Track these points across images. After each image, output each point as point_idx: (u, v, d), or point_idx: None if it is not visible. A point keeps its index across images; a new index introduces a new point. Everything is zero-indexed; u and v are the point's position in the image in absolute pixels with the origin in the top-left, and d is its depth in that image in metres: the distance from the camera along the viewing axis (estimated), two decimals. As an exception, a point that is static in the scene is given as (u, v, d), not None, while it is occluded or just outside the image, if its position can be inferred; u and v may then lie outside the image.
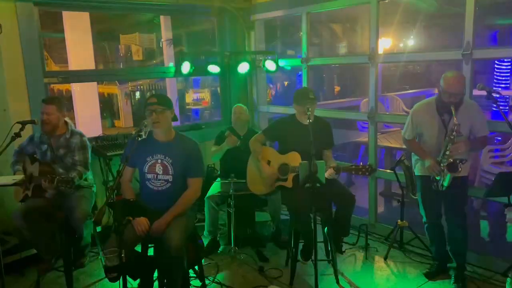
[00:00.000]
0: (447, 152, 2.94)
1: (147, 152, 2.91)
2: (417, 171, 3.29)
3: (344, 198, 3.34)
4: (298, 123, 3.49)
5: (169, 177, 2.90)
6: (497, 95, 3.00)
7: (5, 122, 3.70)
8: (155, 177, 2.91)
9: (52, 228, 3.38)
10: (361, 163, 3.13)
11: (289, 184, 3.43)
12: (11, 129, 3.11)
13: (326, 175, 3.22)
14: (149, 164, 2.91)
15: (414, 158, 3.36)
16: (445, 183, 2.99)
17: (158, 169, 2.90)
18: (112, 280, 2.53)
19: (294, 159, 3.41)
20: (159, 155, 2.91)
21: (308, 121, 3.07)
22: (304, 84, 4.76)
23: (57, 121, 3.37)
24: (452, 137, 2.90)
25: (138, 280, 3.01)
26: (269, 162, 3.56)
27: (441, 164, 2.98)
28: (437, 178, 3.04)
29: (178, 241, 2.69)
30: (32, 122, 3.32)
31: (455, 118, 2.87)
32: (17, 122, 3.16)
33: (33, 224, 3.24)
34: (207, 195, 3.91)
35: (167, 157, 2.90)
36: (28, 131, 3.45)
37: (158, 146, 2.92)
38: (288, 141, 3.50)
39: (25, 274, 3.58)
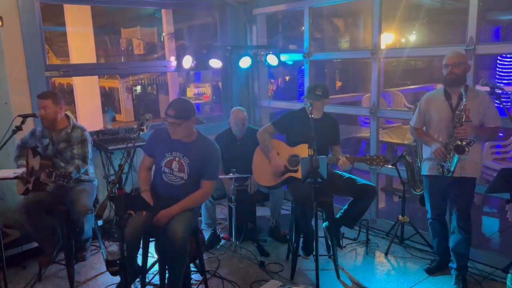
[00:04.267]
0: (454, 135, 2.92)
1: (167, 148, 2.94)
2: (424, 170, 3.28)
3: (366, 191, 3.32)
4: (308, 117, 3.48)
5: (184, 175, 2.93)
6: (500, 91, 2.98)
7: (7, 115, 3.70)
8: (170, 172, 2.95)
9: (53, 222, 3.39)
10: (375, 154, 3.12)
11: (299, 175, 3.42)
12: (12, 122, 3.10)
13: (339, 164, 3.24)
14: (167, 159, 2.94)
15: (424, 156, 3.33)
16: (452, 168, 2.96)
17: (175, 166, 2.93)
18: (114, 273, 2.54)
19: (304, 150, 3.40)
20: (177, 153, 2.93)
21: (310, 116, 3.06)
22: (307, 79, 4.76)
23: (55, 115, 3.35)
24: (460, 118, 2.88)
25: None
26: (277, 154, 3.56)
27: (449, 147, 2.95)
28: (443, 163, 3.03)
29: (183, 234, 2.71)
30: (33, 115, 3.32)
31: (464, 100, 2.86)
32: (19, 115, 3.15)
33: (35, 217, 3.24)
34: None
35: (185, 157, 2.92)
36: (29, 124, 3.45)
37: (178, 145, 2.94)
38: (297, 134, 3.50)
39: (27, 267, 3.59)
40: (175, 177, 2.94)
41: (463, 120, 2.89)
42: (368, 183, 3.40)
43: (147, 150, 3.07)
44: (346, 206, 3.47)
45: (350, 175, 3.47)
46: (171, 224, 2.77)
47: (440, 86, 3.23)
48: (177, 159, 2.92)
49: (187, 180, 2.93)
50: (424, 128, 3.26)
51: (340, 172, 3.53)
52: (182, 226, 2.74)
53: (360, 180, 3.39)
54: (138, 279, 3.04)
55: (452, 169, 2.97)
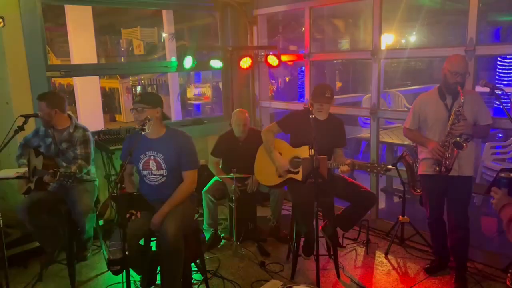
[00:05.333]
0: (453, 131, 2.94)
1: (140, 150, 2.94)
2: (421, 170, 3.29)
3: (366, 198, 3.34)
4: (312, 118, 3.49)
5: (164, 171, 2.93)
6: (500, 92, 3.00)
7: (8, 115, 3.71)
8: (150, 173, 2.95)
9: (55, 221, 3.39)
10: (375, 162, 3.13)
11: (299, 177, 3.43)
12: (14, 122, 3.11)
13: (340, 171, 3.24)
14: (143, 161, 2.95)
15: (419, 156, 3.34)
16: (450, 165, 2.98)
17: (152, 165, 2.94)
18: (115, 273, 2.55)
19: (306, 152, 3.35)
20: (151, 152, 2.94)
21: (311, 116, 3.07)
22: (307, 80, 4.77)
23: (49, 117, 3.35)
24: (459, 115, 2.91)
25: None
26: (280, 154, 3.56)
27: (446, 144, 2.98)
28: (441, 161, 3.03)
29: (175, 231, 2.72)
30: (35, 115, 3.32)
31: (462, 96, 2.89)
32: (21, 116, 3.16)
33: (36, 217, 3.25)
34: (204, 189, 3.94)
35: (159, 153, 2.93)
36: (31, 124, 3.45)
37: (149, 143, 2.94)
38: (300, 134, 3.48)
39: (28, 266, 3.61)
40: (155, 176, 2.94)
41: (461, 116, 2.93)
42: (369, 191, 3.40)
43: (124, 157, 3.05)
44: (344, 210, 3.48)
45: (353, 181, 3.47)
46: (164, 223, 2.79)
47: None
48: (152, 157, 2.93)
49: (168, 177, 2.93)
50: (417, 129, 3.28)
51: (338, 171, 3.53)
52: (174, 223, 2.75)
53: (363, 187, 3.40)
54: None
55: (450, 166, 2.98)
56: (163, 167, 2.92)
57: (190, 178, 2.97)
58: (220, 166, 4.16)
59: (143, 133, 2.71)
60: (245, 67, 4.94)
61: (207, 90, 11.15)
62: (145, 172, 2.95)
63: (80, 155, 3.39)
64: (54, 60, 9.91)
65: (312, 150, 2.86)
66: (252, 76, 5.43)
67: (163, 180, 2.94)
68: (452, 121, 2.96)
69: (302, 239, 3.41)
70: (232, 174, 3.72)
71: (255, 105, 5.48)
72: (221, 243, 4.02)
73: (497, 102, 3.09)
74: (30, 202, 3.25)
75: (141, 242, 2.94)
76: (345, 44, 9.61)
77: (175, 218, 2.80)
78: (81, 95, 7.10)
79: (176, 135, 2.98)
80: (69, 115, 3.48)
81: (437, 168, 3.06)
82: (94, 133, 4.16)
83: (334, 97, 3.56)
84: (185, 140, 2.97)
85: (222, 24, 5.36)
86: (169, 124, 3.07)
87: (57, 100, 3.39)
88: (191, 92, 11.23)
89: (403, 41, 8.71)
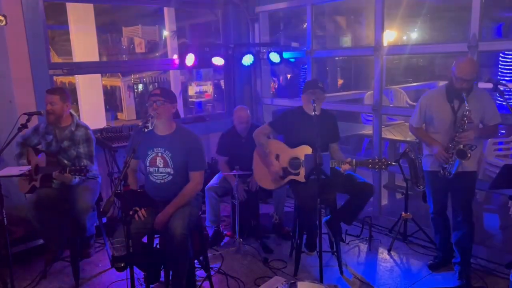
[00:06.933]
0: (457, 139, 2.94)
1: (148, 146, 2.92)
2: (425, 166, 3.29)
3: (364, 189, 3.35)
4: (306, 115, 3.46)
5: (170, 170, 2.91)
6: (503, 88, 2.99)
7: (11, 113, 3.72)
8: (156, 170, 2.93)
9: (59, 219, 3.40)
10: (376, 157, 3.13)
11: (301, 178, 3.39)
12: (17, 120, 3.11)
13: (342, 170, 3.24)
14: (150, 157, 2.93)
15: (424, 152, 3.35)
16: (453, 170, 2.99)
17: (159, 162, 2.91)
18: (120, 270, 2.56)
19: (304, 152, 3.34)
20: (159, 149, 2.92)
21: (313, 113, 3.06)
22: (309, 77, 4.76)
23: (61, 111, 3.36)
24: (463, 122, 2.90)
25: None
26: (277, 157, 3.51)
27: (450, 151, 2.97)
28: (444, 165, 3.04)
29: (182, 230, 2.71)
30: (38, 113, 3.32)
31: (466, 104, 2.87)
32: (24, 113, 3.16)
33: (43, 214, 3.26)
34: (207, 186, 3.94)
35: (166, 151, 2.91)
36: (34, 122, 3.46)
37: (158, 140, 2.92)
38: (295, 133, 3.47)
39: (32, 264, 3.62)
40: (162, 174, 2.91)
41: (466, 124, 2.91)
42: (366, 181, 3.40)
43: (133, 151, 3.04)
44: (343, 203, 3.48)
45: (350, 172, 3.47)
46: (170, 222, 2.77)
47: (441, 83, 3.23)
48: (159, 154, 2.90)
49: (174, 176, 2.91)
50: (423, 126, 3.28)
51: (339, 169, 3.52)
52: (181, 223, 2.74)
53: (359, 178, 3.40)
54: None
55: (453, 171, 2.99)
56: (170, 165, 2.90)
57: (197, 179, 2.95)
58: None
59: (146, 130, 2.70)
60: (247, 64, 4.94)
61: (208, 87, 11.15)
62: (151, 169, 2.94)
63: (84, 154, 3.39)
64: (55, 59, 9.90)
65: (311, 148, 2.86)
66: (254, 73, 5.43)
67: (169, 178, 2.92)
68: (456, 129, 2.95)
69: (305, 236, 3.42)
70: (234, 171, 3.73)
71: (257, 102, 5.49)
72: (224, 240, 4.03)
73: (499, 99, 3.07)
74: (39, 199, 3.26)
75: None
76: (346, 41, 9.60)
77: (182, 217, 2.79)
78: (84, 93, 7.11)
79: (186, 134, 2.96)
80: (70, 113, 3.48)
81: (441, 172, 3.06)
82: (96, 131, 4.18)
83: (332, 94, 3.56)
84: (194, 140, 2.95)
85: (224, 22, 5.36)
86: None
87: (67, 94, 3.41)
88: (193, 90, 11.23)
89: (404, 38, 8.70)
